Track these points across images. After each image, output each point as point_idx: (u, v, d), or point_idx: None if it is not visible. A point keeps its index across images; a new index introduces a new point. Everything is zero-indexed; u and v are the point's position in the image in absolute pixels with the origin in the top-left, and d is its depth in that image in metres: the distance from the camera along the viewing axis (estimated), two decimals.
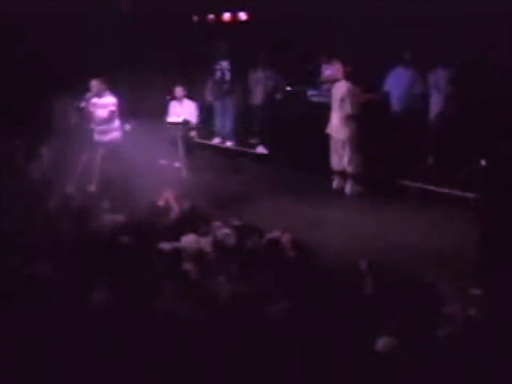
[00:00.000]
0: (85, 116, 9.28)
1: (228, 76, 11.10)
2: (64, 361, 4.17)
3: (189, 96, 10.30)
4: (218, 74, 11.14)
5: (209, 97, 11.39)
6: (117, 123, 9.46)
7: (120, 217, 6.93)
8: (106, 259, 5.58)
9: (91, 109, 9.26)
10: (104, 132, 9.30)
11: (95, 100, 9.27)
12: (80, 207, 7.26)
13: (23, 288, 5.00)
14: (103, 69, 10.01)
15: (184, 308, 4.75)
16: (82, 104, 9.23)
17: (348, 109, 8.67)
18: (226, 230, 6.33)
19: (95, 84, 9.40)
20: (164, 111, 10.30)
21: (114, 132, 9.38)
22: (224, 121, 11.37)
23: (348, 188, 8.77)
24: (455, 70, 8.95)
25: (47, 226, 6.58)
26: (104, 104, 9.38)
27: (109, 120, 9.34)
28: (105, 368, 4.12)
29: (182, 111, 10.22)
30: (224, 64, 11.10)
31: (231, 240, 6.15)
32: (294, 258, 5.87)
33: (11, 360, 4.17)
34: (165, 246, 5.93)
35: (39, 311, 4.67)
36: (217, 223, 6.55)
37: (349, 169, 8.78)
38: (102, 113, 9.33)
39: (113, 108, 9.38)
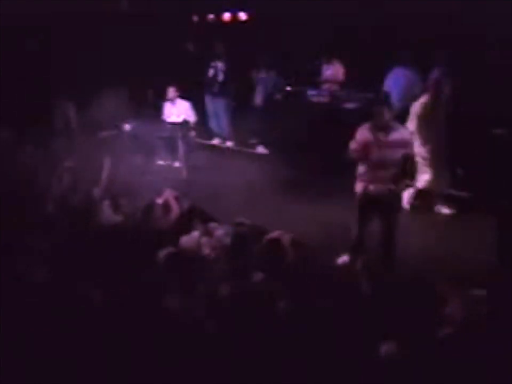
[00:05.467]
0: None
1: (220, 76, 11.05)
2: (64, 362, 4.17)
3: (183, 96, 10.31)
4: (211, 72, 11.09)
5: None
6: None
7: (119, 217, 6.93)
8: (106, 259, 5.58)
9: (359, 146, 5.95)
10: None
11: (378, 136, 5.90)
12: (79, 207, 7.25)
13: (22, 289, 5.00)
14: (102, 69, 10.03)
15: (184, 308, 4.75)
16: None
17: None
18: (223, 230, 6.31)
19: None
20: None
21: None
22: (218, 121, 11.34)
23: (446, 208, 7.89)
24: (452, 71, 8.95)
25: (47, 227, 6.58)
26: (396, 141, 5.89)
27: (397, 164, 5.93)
28: (105, 368, 4.13)
29: (176, 111, 10.23)
30: (220, 64, 11.05)
31: (228, 240, 6.13)
32: (294, 258, 5.87)
33: (11, 360, 4.18)
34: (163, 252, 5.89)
35: (39, 311, 4.68)
36: (214, 224, 6.54)
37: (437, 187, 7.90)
38: (391, 154, 5.89)
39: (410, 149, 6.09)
